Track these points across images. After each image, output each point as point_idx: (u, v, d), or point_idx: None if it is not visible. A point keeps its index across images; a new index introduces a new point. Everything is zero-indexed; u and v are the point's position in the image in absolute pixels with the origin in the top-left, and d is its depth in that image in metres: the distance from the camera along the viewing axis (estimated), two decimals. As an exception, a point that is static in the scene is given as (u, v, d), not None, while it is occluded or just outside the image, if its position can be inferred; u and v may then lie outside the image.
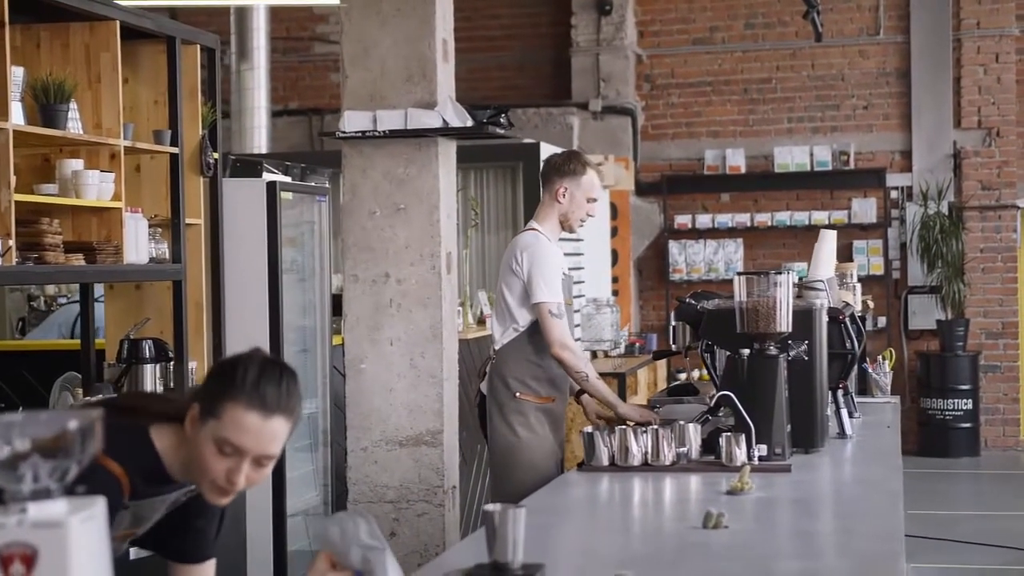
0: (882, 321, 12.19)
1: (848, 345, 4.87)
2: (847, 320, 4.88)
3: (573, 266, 9.78)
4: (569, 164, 5.22)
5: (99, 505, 1.74)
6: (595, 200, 5.24)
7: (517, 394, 5.08)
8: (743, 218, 12.45)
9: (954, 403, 11.87)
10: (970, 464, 11.73)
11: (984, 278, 12.23)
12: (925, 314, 12.22)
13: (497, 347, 5.19)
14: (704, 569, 2.88)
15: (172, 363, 5.41)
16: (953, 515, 9.60)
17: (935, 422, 11.92)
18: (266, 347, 6.03)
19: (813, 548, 3.14)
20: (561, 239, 8.83)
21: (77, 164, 4.90)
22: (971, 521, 9.39)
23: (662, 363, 10.68)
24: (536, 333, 5.10)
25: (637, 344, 10.49)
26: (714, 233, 12.53)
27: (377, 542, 2.36)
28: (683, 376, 10.95)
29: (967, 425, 11.91)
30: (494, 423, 5.14)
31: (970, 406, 11.90)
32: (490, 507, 2.66)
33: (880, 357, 6.30)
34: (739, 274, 4.32)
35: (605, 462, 4.13)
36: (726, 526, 3.16)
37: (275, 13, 12.34)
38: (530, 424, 5.08)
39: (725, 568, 2.87)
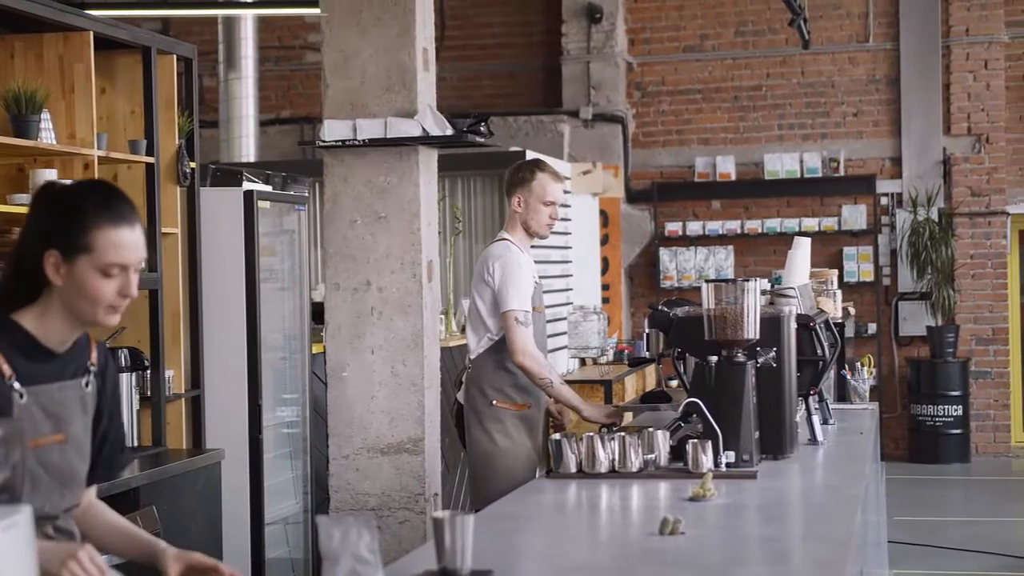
0: (872, 327, 12.20)
1: (819, 352, 4.87)
2: (819, 327, 4.89)
3: (561, 273, 9.84)
4: (518, 173, 5.29)
5: (23, 514, 1.75)
6: (553, 203, 5.25)
7: (494, 402, 5.15)
8: (733, 225, 12.46)
9: (944, 409, 11.87)
10: (960, 470, 11.73)
11: (974, 284, 12.23)
12: (915, 320, 12.22)
13: (472, 356, 5.26)
14: (654, 575, 2.89)
15: (148, 372, 5.42)
16: (942, 521, 9.60)
17: (925, 428, 11.92)
18: (244, 354, 6.06)
19: (763, 554, 3.15)
20: (546, 246, 8.86)
21: (51, 174, 4.92)
22: (960, 527, 9.39)
23: (651, 370, 10.68)
24: None
25: (626, 351, 10.51)
26: (705, 240, 12.54)
27: (372, 558, 2.34)
28: (675, 383, 10.94)
29: (957, 431, 11.91)
30: (472, 431, 5.20)
31: (960, 412, 11.90)
32: (438, 514, 2.68)
33: (859, 364, 6.30)
34: (707, 281, 4.33)
35: (573, 469, 4.14)
36: (682, 532, 3.17)
37: (267, 22, 12.38)
38: (508, 431, 5.13)
39: (676, 574, 2.89)
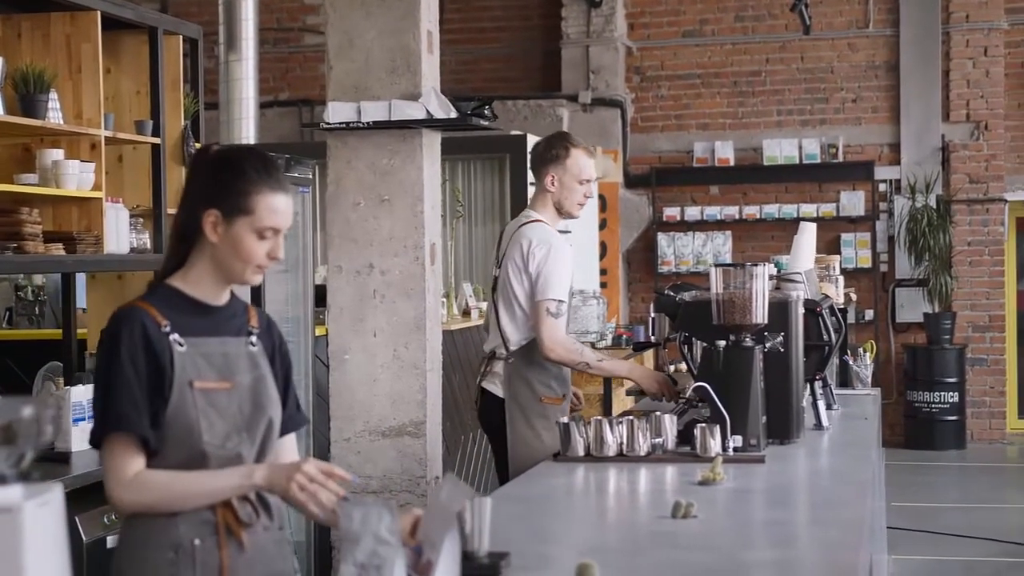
0: (869, 314, 12.22)
1: (825, 337, 4.87)
2: (824, 312, 4.89)
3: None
4: (551, 150, 5.02)
5: (56, 491, 1.76)
6: (588, 181, 5.00)
7: (542, 398, 4.97)
8: (732, 210, 12.47)
9: (940, 396, 11.90)
10: (956, 457, 11.77)
11: (971, 271, 12.26)
12: (912, 307, 12.24)
13: (513, 347, 4.99)
14: (669, 558, 2.90)
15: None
16: (938, 507, 9.64)
17: (921, 415, 11.96)
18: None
19: (777, 537, 3.16)
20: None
21: (57, 154, 4.91)
22: (956, 513, 9.43)
23: (651, 354, 10.70)
24: None
25: (624, 336, 10.51)
26: (703, 226, 12.55)
27: (393, 539, 2.35)
28: (671, 368, 10.95)
29: (953, 418, 11.95)
30: (516, 427, 4.98)
31: (956, 399, 11.93)
32: (456, 496, 2.68)
33: (861, 349, 6.31)
34: (716, 266, 4.33)
35: (581, 452, 4.15)
36: (695, 516, 3.18)
37: (265, 4, 12.34)
38: (551, 426, 4.99)
39: (689, 557, 2.90)
